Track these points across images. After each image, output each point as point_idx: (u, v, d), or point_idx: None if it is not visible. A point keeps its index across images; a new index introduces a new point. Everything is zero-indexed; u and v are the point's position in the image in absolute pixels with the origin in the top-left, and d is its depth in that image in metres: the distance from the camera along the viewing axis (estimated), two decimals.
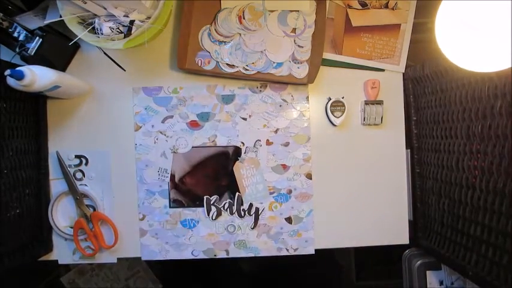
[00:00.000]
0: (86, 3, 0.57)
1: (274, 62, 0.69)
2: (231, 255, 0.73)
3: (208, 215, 0.72)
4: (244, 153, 0.72)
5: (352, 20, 0.71)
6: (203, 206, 0.72)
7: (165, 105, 0.72)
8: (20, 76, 0.53)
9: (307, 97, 0.73)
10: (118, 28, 0.60)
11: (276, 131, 0.72)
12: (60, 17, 0.59)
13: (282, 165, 0.72)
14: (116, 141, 0.72)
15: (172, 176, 0.72)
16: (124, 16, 0.60)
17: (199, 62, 0.69)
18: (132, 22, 0.60)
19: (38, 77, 0.56)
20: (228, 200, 0.72)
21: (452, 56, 0.47)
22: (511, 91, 0.47)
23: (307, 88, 0.73)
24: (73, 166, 0.72)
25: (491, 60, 0.43)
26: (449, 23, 0.46)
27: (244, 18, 0.68)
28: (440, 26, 0.47)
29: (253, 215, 0.72)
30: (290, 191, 0.72)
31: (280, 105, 0.72)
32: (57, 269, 1.29)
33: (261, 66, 0.69)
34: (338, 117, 0.71)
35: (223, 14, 0.68)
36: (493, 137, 0.51)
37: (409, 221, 0.74)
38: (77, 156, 0.72)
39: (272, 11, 0.69)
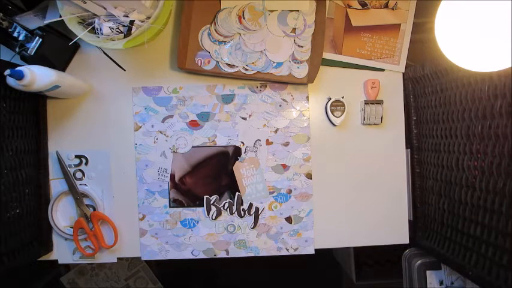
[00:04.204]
0: (85, 3, 0.57)
1: (274, 62, 0.69)
2: (231, 255, 0.73)
3: (208, 214, 0.72)
4: (244, 153, 0.72)
5: (352, 20, 0.71)
6: (203, 206, 0.72)
7: (165, 105, 0.72)
8: (19, 76, 0.53)
9: (307, 97, 0.73)
10: (118, 28, 0.60)
11: (275, 131, 0.72)
12: (60, 16, 0.59)
13: (281, 165, 0.72)
14: (116, 141, 0.72)
15: (172, 176, 0.72)
16: (124, 16, 0.60)
17: (199, 61, 0.69)
18: (132, 22, 0.60)
19: (37, 77, 0.56)
20: (228, 200, 0.72)
21: (452, 56, 0.47)
22: (511, 91, 0.47)
23: (307, 88, 0.73)
24: (73, 166, 0.72)
25: (491, 60, 0.43)
26: (449, 23, 0.46)
27: (244, 18, 0.68)
28: (440, 26, 0.47)
29: (253, 214, 0.72)
30: (290, 191, 0.72)
31: (280, 105, 0.72)
32: (57, 268, 1.29)
33: (261, 66, 0.69)
34: (338, 117, 0.71)
35: (223, 14, 0.68)
36: (493, 137, 0.51)
37: (409, 221, 0.74)
38: (77, 156, 0.72)
39: (272, 11, 0.69)
